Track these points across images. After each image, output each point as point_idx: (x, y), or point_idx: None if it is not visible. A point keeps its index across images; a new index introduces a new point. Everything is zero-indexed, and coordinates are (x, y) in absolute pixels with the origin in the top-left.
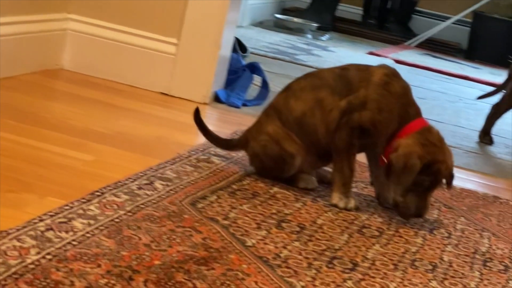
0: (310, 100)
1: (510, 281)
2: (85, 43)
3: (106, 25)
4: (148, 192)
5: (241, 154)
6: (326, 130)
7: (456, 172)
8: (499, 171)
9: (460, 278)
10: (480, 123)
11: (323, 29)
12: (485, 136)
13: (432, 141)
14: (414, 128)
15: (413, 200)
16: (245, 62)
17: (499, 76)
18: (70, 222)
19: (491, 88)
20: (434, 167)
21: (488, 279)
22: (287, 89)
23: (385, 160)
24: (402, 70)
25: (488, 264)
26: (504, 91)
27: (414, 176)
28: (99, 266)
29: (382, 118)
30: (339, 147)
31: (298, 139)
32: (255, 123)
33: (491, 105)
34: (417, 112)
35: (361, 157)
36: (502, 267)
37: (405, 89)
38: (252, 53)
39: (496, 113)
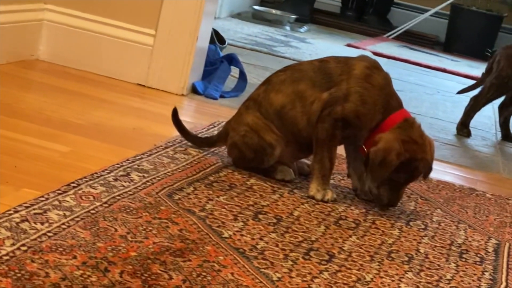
0: (290, 93)
1: (485, 273)
2: (62, 33)
3: (83, 15)
4: (125, 184)
5: (219, 147)
6: (307, 123)
7: (433, 164)
8: (476, 163)
9: (436, 269)
10: (457, 115)
11: (301, 21)
12: (463, 129)
13: (413, 138)
14: (396, 119)
15: (386, 192)
16: (222, 53)
17: (476, 68)
18: (45, 214)
19: (469, 81)
20: (412, 165)
21: (464, 271)
22: (267, 82)
23: (366, 151)
24: (380, 62)
25: (464, 255)
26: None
27: (390, 172)
28: (74, 257)
29: (366, 110)
30: (320, 138)
31: (278, 131)
32: (235, 115)
33: (470, 98)
34: (399, 103)
35: (339, 150)
36: (478, 259)
37: (387, 80)
38: (230, 44)
39: (474, 106)
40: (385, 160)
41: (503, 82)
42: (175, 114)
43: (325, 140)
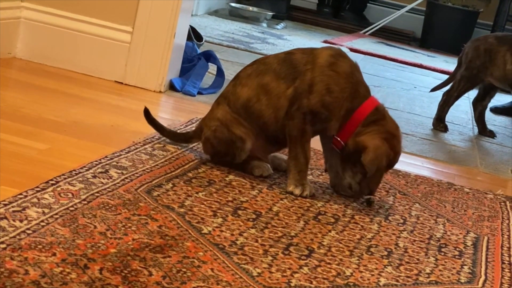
0: (255, 86)
1: (464, 266)
2: (39, 31)
3: (60, 13)
4: (103, 181)
5: (196, 143)
6: (274, 116)
7: (411, 159)
8: (453, 158)
9: (415, 263)
10: (434, 110)
11: (278, 17)
12: (439, 124)
13: (391, 132)
14: (368, 108)
15: (366, 185)
16: (200, 50)
17: (453, 64)
18: (24, 211)
19: (445, 76)
20: (394, 159)
21: (443, 265)
22: (236, 77)
23: (342, 143)
24: (357, 58)
25: (443, 249)
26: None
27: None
28: (54, 254)
29: (332, 99)
30: (292, 135)
31: (246, 124)
32: (208, 112)
33: (443, 93)
34: (367, 91)
35: (318, 145)
36: (457, 253)
37: (353, 68)
38: (207, 41)
39: (447, 100)
40: (380, 167)
41: (473, 74)
42: (147, 113)
43: (297, 137)
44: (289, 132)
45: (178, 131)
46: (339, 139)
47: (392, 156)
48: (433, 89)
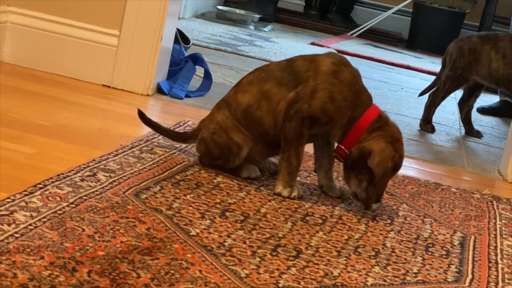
0: (256, 93)
1: (452, 266)
2: (26, 35)
3: (46, 17)
4: (91, 184)
5: (184, 145)
6: (274, 122)
7: None
8: (440, 158)
9: (403, 263)
10: (421, 111)
11: (265, 20)
12: (426, 124)
13: (395, 136)
14: (371, 116)
15: (373, 191)
16: (187, 53)
17: (439, 65)
18: (12, 215)
19: (432, 77)
20: (398, 162)
21: (430, 264)
22: (237, 84)
23: (346, 151)
24: None
25: (430, 249)
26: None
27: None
28: (42, 258)
29: (334, 107)
30: (288, 137)
31: (245, 131)
32: (208, 115)
33: (429, 94)
34: (369, 99)
35: (306, 147)
36: (444, 252)
37: (355, 76)
38: (194, 44)
39: (433, 101)
40: (386, 170)
41: (458, 74)
42: (141, 114)
43: (292, 139)
44: (284, 134)
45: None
46: (343, 147)
47: (397, 159)
48: (421, 93)
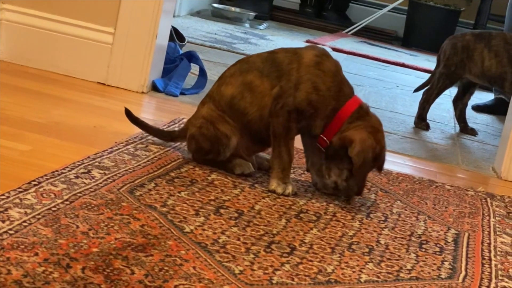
0: (239, 84)
1: (445, 262)
2: (20, 33)
3: (41, 15)
4: (86, 181)
5: (179, 143)
6: (259, 114)
7: (393, 157)
8: (435, 155)
9: (397, 260)
10: (416, 109)
11: (260, 18)
12: (421, 122)
13: (375, 126)
14: (352, 107)
15: (354, 183)
16: (182, 51)
17: (435, 63)
18: (6, 212)
19: (428, 75)
20: (381, 154)
21: (424, 261)
22: (220, 77)
23: (327, 141)
24: (339, 58)
25: (424, 246)
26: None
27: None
28: (36, 254)
29: (319, 97)
30: (277, 133)
31: (231, 121)
32: (194, 112)
33: (423, 92)
34: (351, 90)
35: (300, 144)
36: (437, 249)
37: (337, 67)
38: (189, 42)
39: (427, 98)
40: (366, 160)
41: (451, 71)
42: (128, 113)
43: (281, 134)
44: (273, 129)
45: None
46: (324, 137)
47: (378, 150)
48: (416, 90)
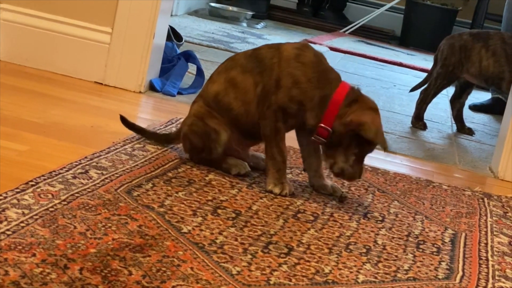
0: (223, 81)
1: (442, 262)
2: (18, 33)
3: (39, 14)
4: (83, 181)
5: (177, 144)
6: (244, 110)
7: (390, 157)
8: (432, 155)
9: (394, 260)
10: (413, 108)
11: (258, 17)
12: (418, 122)
13: (374, 107)
14: (344, 91)
15: (357, 166)
16: (179, 50)
17: (432, 62)
18: (4, 212)
19: (425, 74)
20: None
21: (421, 261)
22: (210, 77)
23: (328, 129)
24: (337, 57)
25: (421, 246)
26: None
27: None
28: (34, 255)
29: (300, 90)
30: (266, 134)
31: (219, 116)
32: (188, 113)
33: (420, 91)
34: (338, 76)
35: (297, 143)
36: (435, 249)
37: (319, 57)
38: (187, 41)
39: (424, 98)
40: (379, 131)
41: (449, 71)
42: (123, 119)
43: (271, 136)
44: (263, 131)
45: (159, 131)
46: (324, 125)
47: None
48: (412, 89)
